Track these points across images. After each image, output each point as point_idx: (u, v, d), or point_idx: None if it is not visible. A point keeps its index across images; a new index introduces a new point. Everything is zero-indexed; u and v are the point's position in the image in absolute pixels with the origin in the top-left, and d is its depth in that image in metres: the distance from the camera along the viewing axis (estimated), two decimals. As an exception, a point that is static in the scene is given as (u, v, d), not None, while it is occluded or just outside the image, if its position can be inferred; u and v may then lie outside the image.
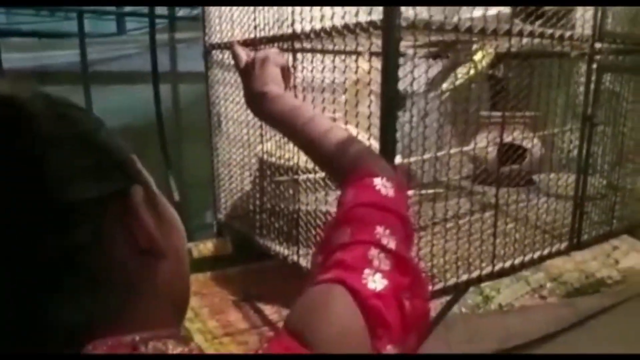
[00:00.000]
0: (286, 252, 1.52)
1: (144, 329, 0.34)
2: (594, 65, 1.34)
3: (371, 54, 1.03)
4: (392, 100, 0.99)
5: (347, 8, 1.05)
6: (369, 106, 1.02)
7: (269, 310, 1.77)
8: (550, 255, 1.42)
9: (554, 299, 2.16)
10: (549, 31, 1.22)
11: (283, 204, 1.57)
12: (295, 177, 1.48)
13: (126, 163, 0.38)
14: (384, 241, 0.47)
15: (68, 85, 2.83)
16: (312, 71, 1.25)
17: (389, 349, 0.40)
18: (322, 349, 0.37)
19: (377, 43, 1.00)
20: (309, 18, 1.18)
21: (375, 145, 1.06)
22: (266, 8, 1.41)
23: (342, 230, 0.49)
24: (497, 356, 1.75)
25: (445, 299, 1.48)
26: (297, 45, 1.26)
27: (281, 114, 0.67)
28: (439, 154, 1.32)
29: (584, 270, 2.29)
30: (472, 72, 1.50)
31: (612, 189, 1.61)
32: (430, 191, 1.44)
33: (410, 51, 1.24)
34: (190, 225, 2.79)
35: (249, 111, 0.75)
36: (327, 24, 1.10)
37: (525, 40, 1.17)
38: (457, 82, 1.56)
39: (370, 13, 0.98)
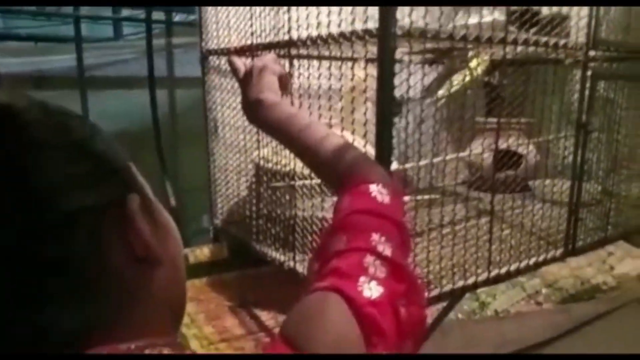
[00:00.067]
0: (282, 258, 1.52)
1: (140, 336, 0.34)
2: (589, 73, 1.35)
3: (367, 61, 1.03)
4: (387, 107, 0.99)
5: (343, 16, 1.05)
6: (365, 113, 1.03)
7: (266, 316, 1.77)
8: (546, 262, 1.43)
9: (550, 305, 2.16)
10: (544, 39, 1.23)
11: (279, 209, 1.57)
12: (292, 183, 1.48)
13: (123, 171, 0.38)
14: (380, 248, 0.47)
15: (65, 90, 2.83)
16: (308, 78, 1.26)
17: None
18: None
19: (372, 50, 1.01)
20: (305, 25, 1.19)
21: (371, 151, 1.06)
22: (263, 15, 1.41)
23: (337, 238, 0.49)
24: (496, 356, 1.75)
25: (441, 305, 1.48)
26: (294, 52, 1.26)
27: (277, 122, 0.67)
28: (435, 160, 1.33)
29: (580, 276, 2.30)
30: (467, 79, 1.51)
31: (607, 195, 1.62)
32: (426, 197, 1.45)
33: (406, 58, 1.24)
34: (187, 230, 2.78)
35: (245, 117, 0.76)
36: (324, 31, 1.10)
37: (520, 47, 1.18)
38: (453, 89, 1.57)
39: (366, 21, 0.98)
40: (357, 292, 0.42)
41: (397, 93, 1.02)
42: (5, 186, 0.30)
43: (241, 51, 1.50)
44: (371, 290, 0.42)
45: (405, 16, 0.96)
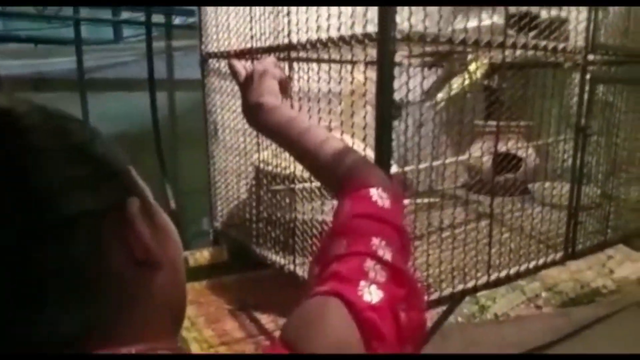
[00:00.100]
0: (282, 261, 1.52)
1: (140, 339, 0.35)
2: (587, 76, 1.35)
3: (366, 64, 1.03)
4: (387, 110, 1.00)
5: (342, 19, 1.05)
6: (365, 117, 1.03)
7: (265, 319, 1.77)
8: (546, 265, 1.43)
9: (550, 309, 2.16)
10: (543, 43, 1.23)
11: (279, 212, 1.57)
12: (292, 186, 1.49)
13: (123, 175, 0.38)
14: (380, 253, 0.47)
15: (64, 92, 2.83)
16: (308, 81, 1.26)
17: None
18: None
19: (372, 54, 1.01)
20: (305, 29, 1.19)
21: (370, 154, 1.06)
22: (262, 18, 1.42)
23: (338, 242, 0.49)
24: (495, 356, 1.75)
25: (441, 308, 1.48)
26: (293, 55, 1.27)
27: (277, 125, 0.67)
28: (435, 163, 1.33)
29: (579, 279, 2.30)
30: (467, 82, 1.51)
31: (606, 198, 1.62)
32: (426, 200, 1.45)
33: (406, 61, 1.25)
34: (187, 233, 2.78)
35: (245, 119, 0.76)
36: (323, 35, 1.11)
37: (519, 51, 1.18)
38: (452, 93, 1.57)
39: (365, 25, 0.99)
40: (357, 296, 0.42)
41: (397, 96, 1.02)
42: (5, 190, 0.30)
43: (241, 54, 1.50)
44: (371, 294, 0.42)
45: (404, 20, 0.96)
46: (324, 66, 1.22)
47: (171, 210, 2.68)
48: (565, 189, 1.48)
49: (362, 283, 0.43)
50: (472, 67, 1.50)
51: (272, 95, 0.70)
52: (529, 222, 1.43)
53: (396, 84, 0.99)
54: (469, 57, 1.47)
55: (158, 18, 3.12)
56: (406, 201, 1.31)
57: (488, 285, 1.31)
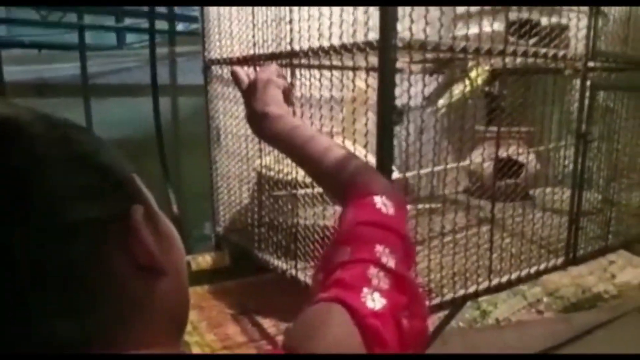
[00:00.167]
0: (285, 266, 1.53)
1: (143, 346, 0.35)
2: (588, 83, 1.36)
3: (367, 71, 1.04)
4: (388, 117, 1.01)
5: (344, 27, 1.07)
6: (366, 124, 1.04)
7: (267, 323, 1.77)
8: (547, 270, 1.43)
9: (551, 314, 2.15)
10: (543, 50, 1.24)
11: (281, 218, 1.58)
12: (294, 191, 1.49)
13: (127, 182, 0.38)
14: (384, 260, 0.48)
15: (68, 97, 2.85)
16: (310, 88, 1.27)
17: None
18: None
19: (373, 62, 1.02)
20: (307, 36, 1.20)
21: (372, 161, 1.07)
22: (265, 26, 1.43)
23: (342, 249, 0.50)
24: (494, 356, 1.75)
25: (442, 313, 1.48)
26: (295, 62, 1.28)
27: (282, 134, 0.68)
28: (436, 169, 1.33)
29: (581, 284, 2.30)
30: (468, 89, 1.52)
31: (607, 204, 1.63)
32: (427, 206, 1.45)
33: (407, 68, 1.26)
34: (189, 237, 2.79)
35: (247, 126, 0.77)
36: (325, 43, 1.12)
37: (519, 59, 1.19)
38: (453, 99, 1.58)
39: (366, 33, 1.00)
40: (360, 303, 0.42)
41: (398, 103, 1.03)
42: (10, 198, 0.30)
43: (243, 61, 1.51)
44: (374, 301, 0.43)
45: (405, 28, 0.97)
46: (326, 73, 1.23)
47: (173, 215, 2.69)
48: (566, 195, 1.48)
49: (365, 290, 0.44)
50: (473, 73, 1.50)
51: (277, 105, 0.71)
52: (530, 228, 1.44)
53: (397, 91, 1.00)
54: (470, 64, 1.48)
55: (161, 24, 3.14)
56: (408, 206, 1.31)
57: (489, 290, 1.31)
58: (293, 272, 1.48)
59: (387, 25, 0.94)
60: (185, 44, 3.03)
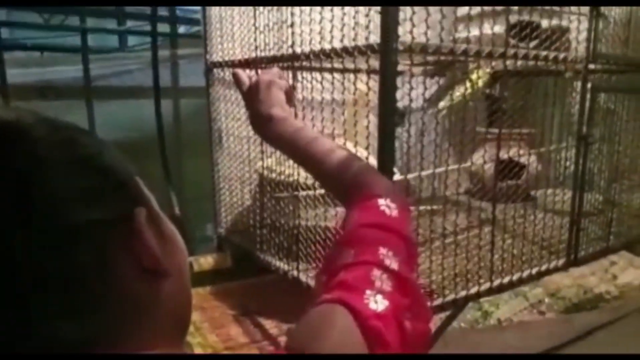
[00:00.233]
0: (286, 267, 1.53)
1: (146, 346, 0.35)
2: (589, 85, 1.36)
3: (369, 74, 1.05)
4: (390, 119, 1.01)
5: (346, 30, 1.07)
6: (367, 126, 1.04)
7: (269, 324, 1.78)
8: (548, 271, 1.43)
9: (553, 315, 2.16)
10: (544, 53, 1.24)
11: (283, 219, 1.59)
12: (295, 193, 1.50)
13: (130, 185, 0.38)
14: (387, 262, 0.48)
15: (71, 100, 2.86)
16: (311, 90, 1.28)
17: None
18: None
19: (375, 64, 1.03)
20: (308, 40, 1.21)
21: (374, 162, 1.08)
22: (267, 29, 1.44)
23: (345, 251, 0.50)
24: (494, 356, 1.75)
25: (444, 314, 1.48)
26: (297, 65, 1.28)
27: (286, 136, 0.68)
28: (437, 170, 1.34)
29: (582, 285, 2.30)
30: (469, 90, 1.53)
31: (609, 205, 1.63)
32: (429, 207, 1.46)
33: (408, 70, 1.26)
34: (191, 238, 2.79)
35: (249, 127, 0.77)
36: (327, 46, 1.13)
37: (520, 61, 1.20)
38: (454, 101, 1.59)
39: (368, 37, 1.00)
40: (363, 304, 0.43)
41: (399, 105, 1.04)
42: (14, 202, 0.31)
43: (245, 64, 1.52)
44: (377, 303, 0.43)
45: (406, 32, 0.97)
46: (327, 76, 1.24)
47: (175, 217, 2.70)
48: (567, 196, 1.48)
49: (368, 292, 0.44)
50: (474, 76, 1.51)
51: (280, 107, 0.71)
52: (531, 229, 1.44)
53: (399, 93, 1.01)
54: (471, 66, 1.48)
55: (163, 27, 3.15)
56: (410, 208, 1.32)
57: (491, 291, 1.32)
58: (295, 273, 1.48)
59: (388, 29, 0.95)
60: (187, 47, 3.04)
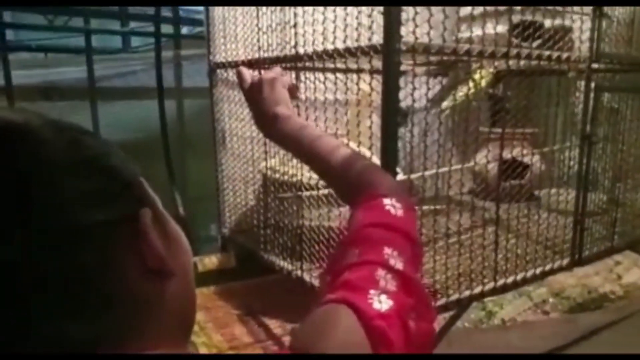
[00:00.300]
0: (290, 267, 1.53)
1: (151, 347, 0.35)
2: (592, 85, 1.36)
3: (372, 74, 1.05)
4: (393, 119, 1.01)
5: (348, 31, 1.07)
6: (370, 126, 1.05)
7: (273, 324, 1.78)
8: (553, 271, 1.43)
9: (557, 315, 2.15)
10: (546, 52, 1.24)
11: (287, 219, 1.59)
12: (299, 193, 1.50)
13: (134, 186, 0.38)
14: (392, 262, 0.48)
15: (75, 100, 2.87)
16: (314, 91, 1.28)
17: None
18: None
19: (377, 65, 1.03)
20: (311, 40, 1.21)
21: (377, 162, 1.08)
22: (269, 30, 1.44)
23: (350, 251, 0.50)
24: (497, 356, 1.75)
25: (448, 314, 1.48)
26: (300, 65, 1.29)
27: (290, 134, 0.68)
28: (441, 170, 1.34)
29: (587, 285, 2.29)
30: (472, 90, 1.53)
31: (613, 205, 1.62)
32: (432, 207, 1.46)
33: (411, 70, 1.26)
34: (196, 238, 2.80)
35: (253, 128, 0.77)
36: (329, 46, 1.13)
37: (523, 61, 1.20)
38: (457, 101, 1.59)
39: (370, 37, 1.00)
40: (367, 304, 0.43)
41: (402, 105, 1.04)
42: (20, 203, 0.31)
43: (248, 64, 1.52)
44: (381, 303, 0.43)
45: (409, 32, 0.98)
46: (330, 76, 1.24)
47: (180, 217, 2.71)
48: (571, 196, 1.48)
49: (372, 291, 0.44)
50: (476, 76, 1.51)
51: (285, 105, 0.71)
52: (535, 228, 1.44)
53: (402, 93, 1.01)
54: (474, 66, 1.48)
55: (166, 28, 3.16)
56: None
57: (495, 291, 1.32)
58: (298, 273, 1.49)
59: (391, 29, 0.95)
60: (190, 47, 3.05)
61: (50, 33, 3.35)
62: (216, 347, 1.64)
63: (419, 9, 1.00)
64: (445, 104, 1.61)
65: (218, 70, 1.85)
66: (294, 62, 1.28)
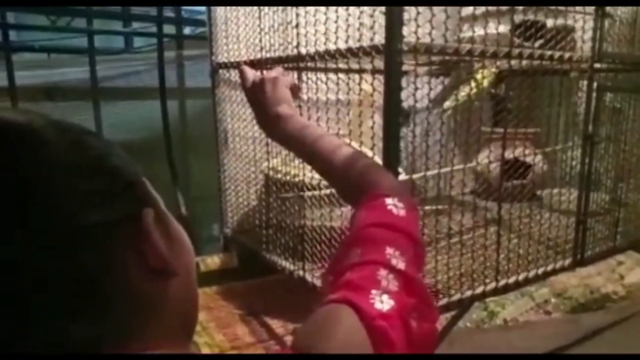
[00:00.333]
0: (292, 267, 1.54)
1: (152, 347, 0.35)
2: (594, 85, 1.36)
3: (374, 74, 1.05)
4: (395, 119, 1.01)
5: (350, 31, 1.08)
6: (372, 126, 1.05)
7: (276, 324, 1.78)
8: (555, 271, 1.43)
9: (559, 315, 2.15)
10: (549, 52, 1.24)
11: (289, 219, 1.59)
12: (301, 193, 1.50)
13: (137, 186, 0.38)
14: (394, 262, 0.48)
15: (77, 101, 2.88)
16: (316, 91, 1.28)
17: None
18: None
19: (379, 65, 1.03)
20: (313, 40, 1.21)
21: (379, 162, 1.08)
22: (272, 30, 1.44)
23: (352, 251, 0.50)
24: (498, 356, 1.75)
25: (450, 314, 1.48)
26: (302, 65, 1.29)
27: (293, 134, 0.68)
28: (443, 170, 1.34)
29: (589, 285, 2.29)
30: (474, 90, 1.52)
31: (615, 204, 1.62)
32: (434, 207, 1.46)
33: (413, 70, 1.26)
34: (198, 238, 2.81)
35: (255, 128, 0.77)
36: (331, 46, 1.13)
37: (525, 61, 1.20)
38: (460, 100, 1.59)
39: (372, 37, 1.01)
40: (369, 304, 0.43)
41: (404, 105, 1.04)
42: (22, 203, 0.31)
43: (251, 65, 1.53)
44: (382, 303, 0.43)
45: (411, 32, 0.98)
46: (332, 76, 1.24)
47: (182, 217, 2.71)
48: (573, 196, 1.48)
49: (374, 291, 0.44)
50: (479, 75, 1.51)
51: (287, 104, 0.71)
52: (537, 229, 1.44)
53: (403, 93, 1.01)
54: (476, 66, 1.48)
55: (169, 28, 3.17)
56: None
57: (497, 291, 1.32)
58: (300, 273, 1.49)
59: (393, 29, 0.95)
60: (193, 48, 3.06)
61: (53, 34, 3.36)
62: (218, 347, 1.64)
63: (420, 8, 1.00)
64: (447, 104, 1.62)
65: (220, 71, 1.86)
66: (296, 62, 1.28)
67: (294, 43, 1.30)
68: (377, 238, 0.51)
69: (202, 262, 2.05)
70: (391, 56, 0.96)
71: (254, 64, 1.50)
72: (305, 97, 1.31)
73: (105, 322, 0.33)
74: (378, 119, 1.06)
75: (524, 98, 1.53)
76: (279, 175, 1.61)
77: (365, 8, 1.11)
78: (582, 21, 1.32)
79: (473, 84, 1.53)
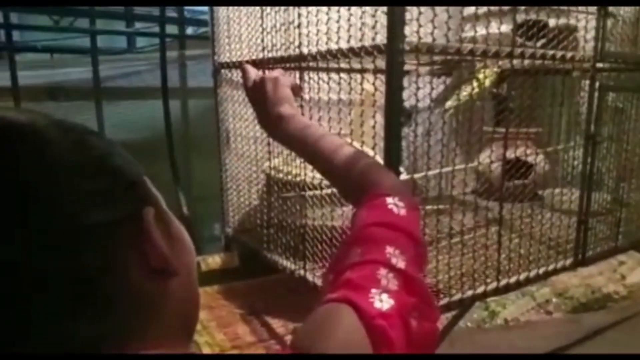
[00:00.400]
0: (293, 266, 1.54)
1: (153, 346, 0.35)
2: (597, 84, 1.36)
3: (375, 74, 1.05)
4: (396, 119, 1.01)
5: (352, 31, 1.08)
6: (374, 126, 1.05)
7: (276, 323, 1.79)
8: (556, 271, 1.43)
9: (560, 314, 2.15)
10: (551, 52, 1.24)
11: (290, 219, 1.60)
12: (302, 193, 1.51)
13: (138, 185, 0.39)
14: (394, 261, 0.48)
15: (80, 101, 2.89)
16: (318, 91, 1.28)
17: None
18: None
19: (381, 65, 1.03)
20: (315, 40, 1.21)
21: (380, 161, 1.08)
22: (274, 30, 1.44)
23: (353, 250, 0.50)
24: (499, 356, 1.75)
25: (450, 313, 1.48)
26: (304, 65, 1.29)
27: (294, 134, 0.69)
28: (444, 170, 1.34)
29: (590, 285, 2.29)
30: (475, 90, 1.52)
31: (617, 204, 1.62)
32: (435, 207, 1.46)
33: (414, 69, 1.26)
34: (199, 237, 2.81)
35: (257, 128, 0.78)
36: (333, 46, 1.13)
37: (527, 60, 1.20)
38: (461, 100, 1.59)
39: (374, 37, 1.01)
40: (368, 303, 0.43)
41: (406, 105, 1.04)
42: (24, 202, 0.31)
43: (253, 65, 1.53)
44: (382, 302, 0.43)
45: (413, 32, 0.98)
46: (334, 76, 1.24)
47: (183, 216, 2.72)
48: (575, 195, 1.48)
49: (374, 291, 0.44)
50: (480, 75, 1.51)
51: (288, 103, 0.71)
52: (539, 228, 1.43)
53: (405, 93, 1.01)
54: (478, 65, 1.48)
55: (171, 29, 3.17)
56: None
57: (498, 291, 1.32)
58: (301, 272, 1.49)
59: (395, 29, 0.95)
60: (195, 48, 3.06)
61: (55, 34, 3.37)
62: (219, 346, 1.64)
63: (422, 8, 1.00)
64: (449, 103, 1.61)
65: (222, 71, 1.86)
66: (298, 62, 1.28)
67: (296, 43, 1.30)
68: (378, 237, 0.51)
69: (204, 262, 2.05)
70: (393, 56, 0.96)
71: (256, 63, 1.50)
72: (307, 96, 1.31)
73: (106, 322, 0.33)
74: (380, 118, 1.06)
75: (526, 98, 1.53)
76: (281, 175, 1.61)
77: (367, 8, 1.11)
78: (584, 21, 1.32)
79: (475, 83, 1.53)
